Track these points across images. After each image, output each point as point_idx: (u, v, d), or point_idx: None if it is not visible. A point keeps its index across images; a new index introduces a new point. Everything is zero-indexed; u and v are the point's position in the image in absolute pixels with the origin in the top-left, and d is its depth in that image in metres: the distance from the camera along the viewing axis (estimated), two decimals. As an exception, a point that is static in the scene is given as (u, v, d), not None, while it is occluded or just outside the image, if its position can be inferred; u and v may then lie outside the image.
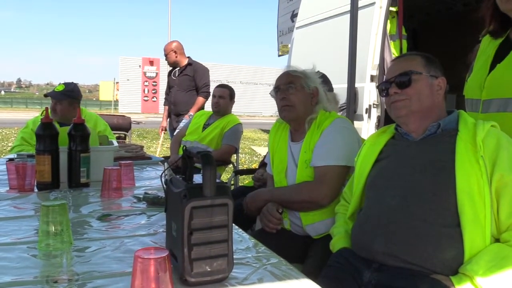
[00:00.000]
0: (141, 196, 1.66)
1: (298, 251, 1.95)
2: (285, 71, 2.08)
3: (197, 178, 0.91)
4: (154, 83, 37.62)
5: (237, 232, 1.29)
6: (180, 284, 0.89)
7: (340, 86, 3.24)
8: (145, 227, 1.32)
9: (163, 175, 1.01)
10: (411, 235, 1.33)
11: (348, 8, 3.26)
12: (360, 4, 3.32)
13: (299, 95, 1.98)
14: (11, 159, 2.04)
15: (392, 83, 1.50)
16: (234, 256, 1.06)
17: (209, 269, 0.87)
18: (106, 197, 1.69)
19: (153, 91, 37.50)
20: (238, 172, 3.66)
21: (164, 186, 0.97)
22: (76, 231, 1.26)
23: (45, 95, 3.03)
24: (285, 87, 2.00)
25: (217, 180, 0.89)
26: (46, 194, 1.72)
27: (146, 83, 32.13)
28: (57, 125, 1.84)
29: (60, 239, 1.11)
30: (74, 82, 3.11)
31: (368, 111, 4.09)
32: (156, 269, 0.74)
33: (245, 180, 4.68)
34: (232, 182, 3.81)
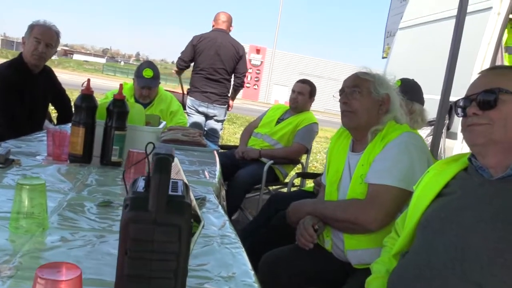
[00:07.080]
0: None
1: (335, 276, 1.74)
2: (355, 72, 1.82)
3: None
4: (258, 71, 38.43)
5: (232, 252, 1.06)
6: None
7: (433, 97, 2.85)
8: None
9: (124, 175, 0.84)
10: (458, 300, 1.01)
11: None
12: (473, 8, 2.86)
13: (363, 101, 1.72)
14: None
15: (472, 101, 1.16)
16: (209, 286, 0.86)
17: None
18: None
19: (255, 79, 38.34)
20: (300, 175, 3.42)
21: (127, 186, 0.80)
22: (63, 215, 1.15)
23: (143, 87, 3.05)
24: (349, 90, 1.76)
25: (179, 193, 0.69)
26: (74, 168, 1.64)
27: (250, 70, 32.94)
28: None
29: (35, 222, 1.00)
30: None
31: (465, 130, 3.57)
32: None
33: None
34: (297, 184, 3.58)
